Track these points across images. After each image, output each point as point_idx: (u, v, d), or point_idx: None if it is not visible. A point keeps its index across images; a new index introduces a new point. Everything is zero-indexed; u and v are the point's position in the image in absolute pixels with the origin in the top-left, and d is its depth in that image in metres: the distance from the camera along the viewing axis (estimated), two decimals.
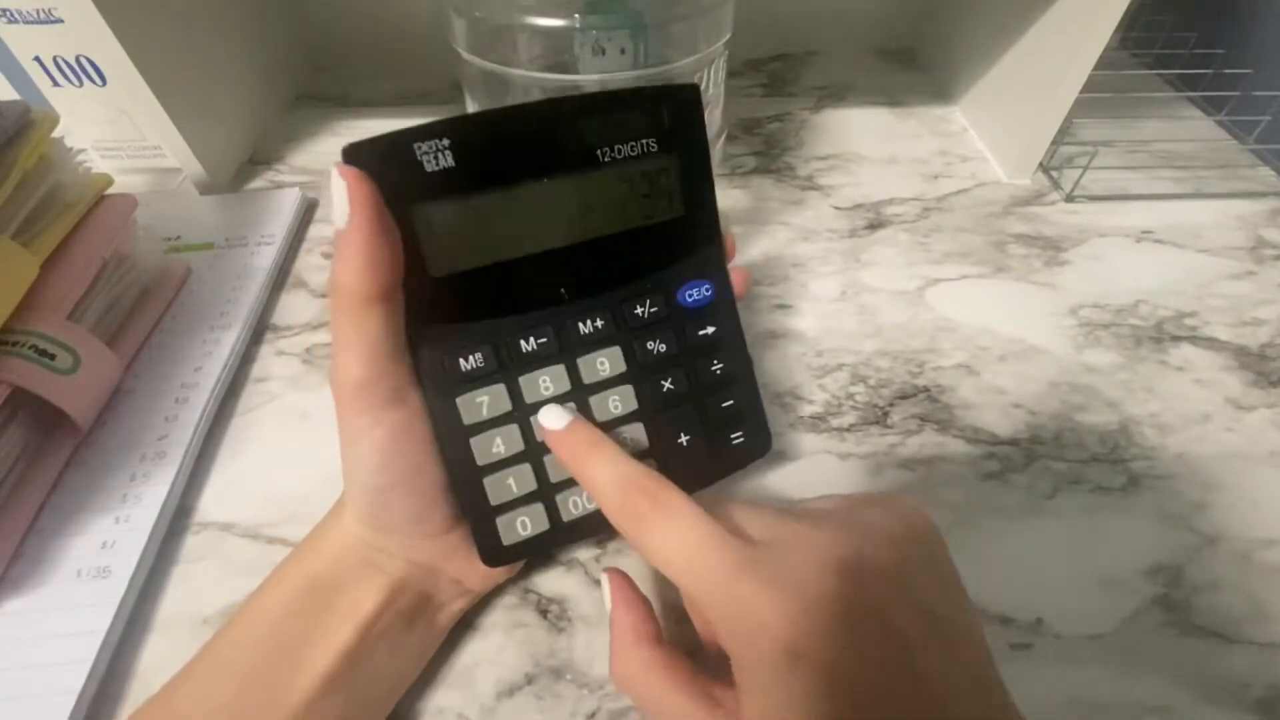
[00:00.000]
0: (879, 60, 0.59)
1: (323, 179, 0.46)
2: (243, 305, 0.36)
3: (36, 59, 0.37)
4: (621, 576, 0.22)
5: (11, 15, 0.35)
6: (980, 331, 0.36)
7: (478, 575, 0.24)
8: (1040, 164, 0.45)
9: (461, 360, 0.21)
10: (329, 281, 0.19)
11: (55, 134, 0.31)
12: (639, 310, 0.23)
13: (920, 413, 0.32)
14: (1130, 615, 0.26)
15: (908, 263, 0.40)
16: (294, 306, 0.38)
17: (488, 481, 0.22)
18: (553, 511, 0.22)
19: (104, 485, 0.28)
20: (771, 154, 0.49)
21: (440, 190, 0.19)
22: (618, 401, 0.23)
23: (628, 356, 0.23)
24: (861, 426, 0.32)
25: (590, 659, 0.25)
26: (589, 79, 0.28)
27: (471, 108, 0.33)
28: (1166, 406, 0.32)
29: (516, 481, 0.22)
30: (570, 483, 0.23)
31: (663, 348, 0.23)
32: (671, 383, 0.23)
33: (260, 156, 0.48)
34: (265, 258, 0.39)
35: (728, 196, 0.45)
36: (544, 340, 0.22)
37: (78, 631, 0.24)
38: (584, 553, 0.27)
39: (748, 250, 0.41)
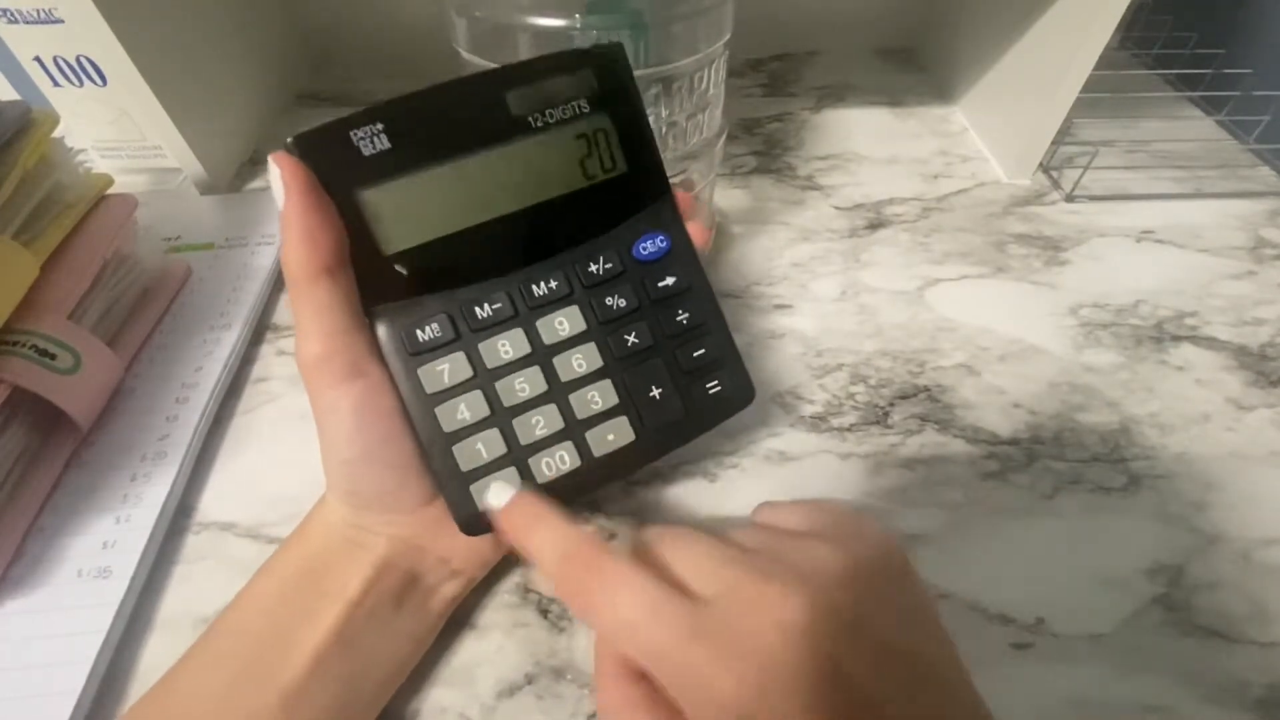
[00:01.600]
0: (879, 60, 0.59)
1: None
2: (243, 305, 0.36)
3: (37, 59, 0.37)
4: None
5: (11, 15, 0.35)
6: (980, 331, 0.36)
7: (462, 553, 0.24)
8: (1040, 164, 0.45)
9: (419, 331, 0.21)
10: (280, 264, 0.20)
11: (55, 134, 0.31)
12: (593, 268, 0.23)
13: (920, 413, 0.32)
14: (1130, 615, 0.26)
15: (908, 263, 0.40)
16: None
17: (457, 449, 0.22)
18: (525, 474, 0.23)
19: (104, 485, 0.28)
20: (771, 154, 0.49)
21: (380, 173, 0.20)
22: (581, 360, 0.23)
23: (586, 314, 0.23)
24: (862, 426, 0.32)
25: (591, 659, 0.25)
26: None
27: None
28: (1166, 406, 0.32)
29: (486, 446, 0.22)
30: (542, 445, 0.23)
31: (622, 302, 0.23)
32: (635, 336, 0.24)
33: (260, 156, 0.48)
34: (266, 258, 0.39)
35: (728, 196, 0.45)
36: (499, 305, 0.22)
37: (78, 631, 0.24)
38: None
39: (748, 250, 0.41)
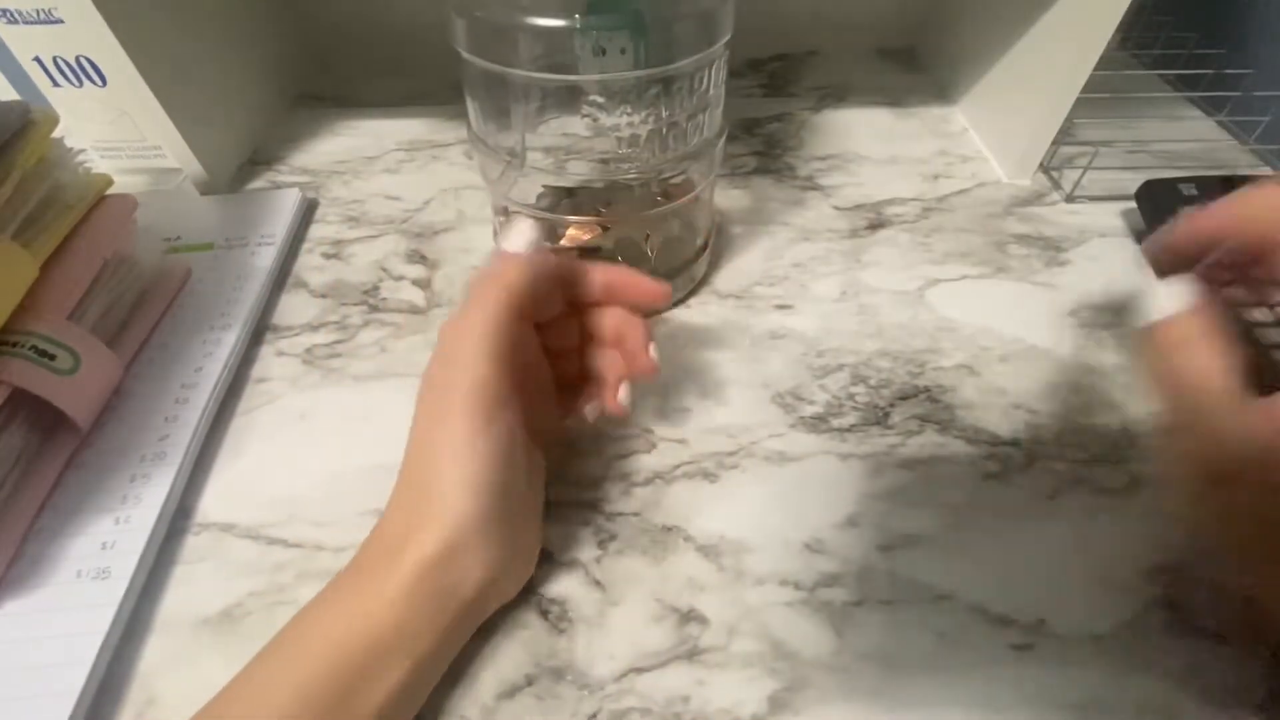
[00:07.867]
0: (879, 60, 0.59)
1: (321, 179, 0.46)
2: (243, 306, 0.36)
3: (36, 59, 0.37)
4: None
5: (11, 15, 0.35)
6: (981, 332, 0.36)
7: (515, 583, 0.25)
8: (1040, 164, 0.45)
9: None
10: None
11: (55, 134, 0.31)
12: None
13: (921, 413, 0.32)
14: (1131, 616, 0.26)
15: (908, 263, 0.40)
16: (294, 307, 0.38)
17: None
18: None
19: (104, 486, 0.28)
20: (772, 154, 0.49)
21: None
22: None
23: None
24: (862, 427, 0.32)
25: (591, 660, 0.25)
26: (589, 79, 0.28)
27: (471, 107, 0.33)
28: None
29: None
30: None
31: None
32: None
33: (260, 156, 0.48)
34: (265, 258, 0.39)
35: (728, 196, 0.45)
36: None
37: (78, 632, 0.24)
38: (585, 553, 0.27)
39: (748, 251, 0.41)
